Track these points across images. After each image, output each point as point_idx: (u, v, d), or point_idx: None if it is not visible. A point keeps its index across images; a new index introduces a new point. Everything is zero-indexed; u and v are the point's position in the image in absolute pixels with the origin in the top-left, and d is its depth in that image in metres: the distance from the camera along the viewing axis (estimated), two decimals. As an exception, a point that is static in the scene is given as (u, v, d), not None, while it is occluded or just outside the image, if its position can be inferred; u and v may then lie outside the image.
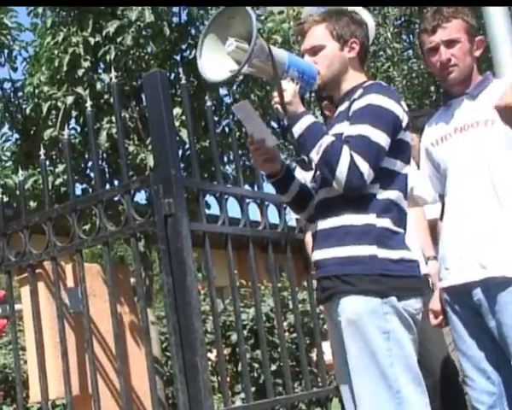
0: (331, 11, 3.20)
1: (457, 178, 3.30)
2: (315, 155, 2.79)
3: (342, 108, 2.98)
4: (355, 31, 3.03)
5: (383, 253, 2.79)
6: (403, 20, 12.08)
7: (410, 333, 2.84)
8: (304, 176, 3.35)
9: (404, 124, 2.87)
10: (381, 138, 2.77)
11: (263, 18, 5.75)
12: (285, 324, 6.36)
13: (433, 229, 4.06)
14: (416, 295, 2.88)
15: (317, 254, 2.92)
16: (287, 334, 6.42)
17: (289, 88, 2.82)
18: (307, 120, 2.83)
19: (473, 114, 3.30)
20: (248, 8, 2.75)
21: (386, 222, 2.82)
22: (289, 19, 6.01)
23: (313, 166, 2.96)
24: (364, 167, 2.73)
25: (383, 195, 2.84)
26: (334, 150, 2.75)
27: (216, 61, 2.82)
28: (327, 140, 2.78)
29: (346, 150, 2.74)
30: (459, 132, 3.33)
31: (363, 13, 9.90)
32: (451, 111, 3.38)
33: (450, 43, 3.28)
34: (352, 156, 2.73)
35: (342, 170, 2.73)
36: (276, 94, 2.82)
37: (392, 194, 2.86)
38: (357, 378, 2.80)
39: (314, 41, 3.01)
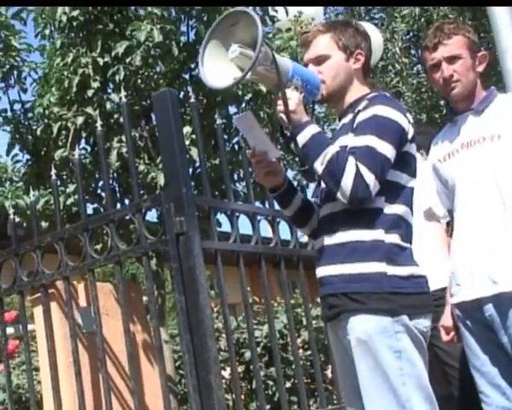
0: (336, 22, 3.17)
1: (465, 193, 3.29)
2: (319, 166, 2.72)
3: (346, 120, 2.91)
4: (360, 42, 2.98)
5: (392, 270, 2.72)
6: (411, 35, 12.10)
7: (421, 352, 2.76)
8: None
9: (409, 136, 2.81)
10: (387, 150, 2.71)
11: (271, 35, 5.75)
12: (299, 340, 6.32)
13: None
14: (426, 312, 2.81)
15: (323, 271, 2.84)
16: (301, 351, 6.38)
17: (293, 97, 2.74)
18: (312, 129, 2.76)
19: (479, 130, 3.30)
20: (252, 13, 2.68)
21: (394, 238, 2.75)
22: (297, 36, 6.01)
23: (316, 177, 2.92)
24: (370, 179, 2.66)
25: (390, 209, 2.77)
26: (339, 161, 2.68)
27: (219, 67, 2.73)
28: (332, 150, 2.71)
29: (351, 161, 2.67)
30: (466, 148, 3.33)
31: (371, 28, 9.93)
32: (457, 127, 3.38)
33: (451, 60, 3.29)
34: (357, 167, 2.66)
35: (347, 181, 2.66)
36: (280, 102, 2.74)
37: (399, 209, 2.79)
38: (369, 398, 2.73)
39: (319, 50, 2.95)
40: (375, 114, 2.75)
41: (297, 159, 2.95)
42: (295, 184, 3.31)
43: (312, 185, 3.18)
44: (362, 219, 2.74)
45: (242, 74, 2.64)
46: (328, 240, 2.82)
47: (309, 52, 2.97)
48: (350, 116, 2.88)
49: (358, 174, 2.65)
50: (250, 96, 5.51)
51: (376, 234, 2.73)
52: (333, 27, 2.99)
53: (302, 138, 2.75)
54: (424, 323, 2.78)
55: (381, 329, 2.69)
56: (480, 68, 3.36)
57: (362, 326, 2.71)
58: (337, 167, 2.67)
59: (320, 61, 2.93)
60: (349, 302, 2.73)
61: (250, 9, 2.78)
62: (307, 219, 3.03)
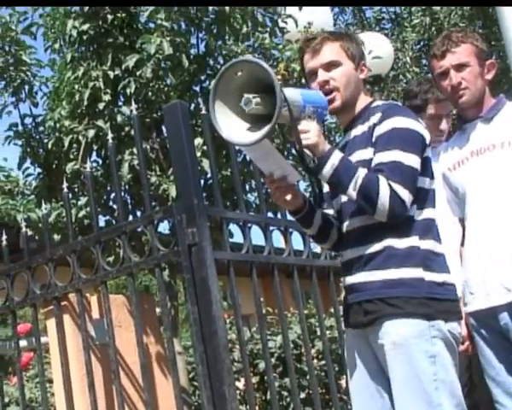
0: (341, 33, 3.20)
1: (476, 201, 3.28)
2: (352, 192, 2.74)
3: (358, 132, 2.93)
4: (362, 54, 3.04)
5: (429, 276, 2.77)
6: (422, 44, 12.10)
7: (453, 357, 2.80)
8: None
9: (427, 141, 2.87)
10: (413, 161, 2.77)
11: (281, 47, 5.76)
12: (313, 351, 6.31)
13: None
14: (458, 318, 2.86)
15: (356, 278, 2.86)
16: (315, 361, 6.37)
17: (312, 128, 2.73)
18: (336, 157, 2.76)
19: (488, 137, 3.30)
20: (258, 61, 2.65)
21: (429, 244, 2.81)
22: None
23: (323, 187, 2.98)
24: (404, 194, 2.72)
25: (422, 215, 2.83)
26: (371, 183, 2.71)
27: (233, 120, 2.68)
28: (361, 174, 2.73)
29: (383, 181, 2.71)
30: (476, 156, 3.32)
31: (381, 38, 9.89)
32: (467, 135, 3.38)
33: (459, 67, 3.29)
34: (390, 186, 2.71)
35: (384, 202, 2.70)
36: (301, 136, 2.71)
37: (428, 212, 2.86)
38: (401, 401, 2.75)
39: (331, 57, 2.96)
40: (394, 127, 2.79)
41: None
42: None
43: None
44: (396, 227, 2.78)
45: (273, 122, 2.55)
46: (361, 250, 2.85)
47: (319, 58, 2.97)
48: (361, 128, 2.91)
49: (393, 193, 2.71)
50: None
51: (411, 241, 2.79)
52: (340, 37, 3.03)
53: (330, 168, 2.75)
54: (457, 328, 2.84)
55: (417, 333, 2.74)
56: (489, 76, 3.35)
57: (398, 330, 2.74)
58: (371, 190, 2.71)
59: (331, 67, 2.94)
60: (386, 307, 2.77)
61: (252, 58, 2.82)
62: (328, 235, 3.08)
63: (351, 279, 2.89)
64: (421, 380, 2.71)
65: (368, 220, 2.82)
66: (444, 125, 3.94)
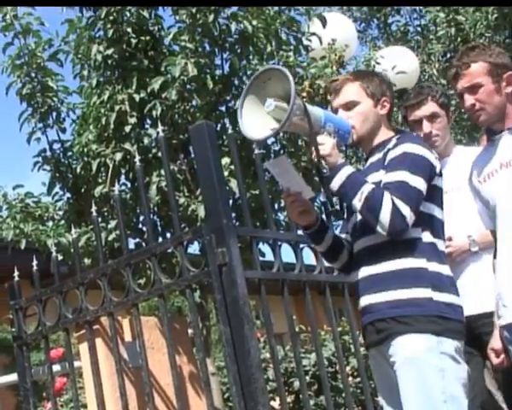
0: (363, 72, 3.50)
1: (507, 213, 3.25)
2: (357, 202, 2.90)
3: (374, 159, 3.12)
4: (385, 90, 3.21)
5: (437, 296, 2.90)
6: (448, 56, 12.05)
7: (460, 374, 2.90)
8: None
9: (437, 170, 3.02)
10: (419, 183, 2.91)
11: (305, 64, 5.77)
12: (348, 368, 6.28)
13: None
14: (462, 338, 2.96)
15: (368, 299, 3.00)
16: (350, 378, 6.34)
17: (328, 141, 2.95)
18: (347, 170, 2.95)
19: None
20: (284, 69, 2.92)
21: (436, 266, 2.95)
22: (332, 63, 6.01)
23: (345, 214, 3.15)
24: (406, 211, 2.85)
25: (428, 239, 2.97)
26: (375, 197, 2.87)
27: (257, 120, 2.94)
28: (367, 188, 2.90)
29: (387, 196, 2.86)
30: (505, 168, 3.30)
31: (406, 51, 9.86)
32: (495, 147, 3.35)
33: (472, 89, 3.27)
34: (393, 201, 2.85)
35: (385, 215, 2.85)
36: (316, 147, 2.93)
37: (434, 239, 2.99)
38: None
39: (349, 97, 3.16)
40: (405, 152, 2.98)
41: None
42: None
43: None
44: (403, 249, 2.95)
45: (280, 125, 2.86)
46: (371, 270, 3.01)
47: (339, 98, 3.20)
48: (378, 155, 3.11)
49: (395, 208, 2.86)
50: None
51: (420, 262, 2.94)
52: (361, 76, 3.25)
53: (339, 179, 2.94)
54: (462, 347, 2.95)
55: (427, 348, 2.84)
56: (509, 89, 3.31)
57: (409, 345, 2.87)
58: (374, 203, 2.87)
59: (350, 106, 3.16)
60: (397, 325, 2.89)
61: (281, 66, 3.12)
62: (338, 255, 3.24)
63: (363, 301, 3.03)
64: (431, 394, 2.83)
65: (376, 240, 2.97)
66: (427, 128, 3.98)
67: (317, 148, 2.92)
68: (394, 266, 2.93)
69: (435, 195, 3.03)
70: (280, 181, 3.15)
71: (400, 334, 2.88)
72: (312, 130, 2.93)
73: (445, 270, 2.98)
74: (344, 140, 3.09)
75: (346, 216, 3.22)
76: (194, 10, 5.19)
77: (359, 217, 3.05)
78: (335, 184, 2.95)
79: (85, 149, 5.46)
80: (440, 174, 3.05)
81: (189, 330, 4.60)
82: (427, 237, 2.96)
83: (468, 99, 3.27)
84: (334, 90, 3.22)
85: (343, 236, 3.27)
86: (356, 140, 3.14)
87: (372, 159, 3.15)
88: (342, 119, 3.12)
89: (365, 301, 3.01)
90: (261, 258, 3.81)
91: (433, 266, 2.93)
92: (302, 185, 3.07)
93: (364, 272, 3.02)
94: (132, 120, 5.28)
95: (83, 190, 5.64)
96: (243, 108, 2.96)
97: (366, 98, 3.15)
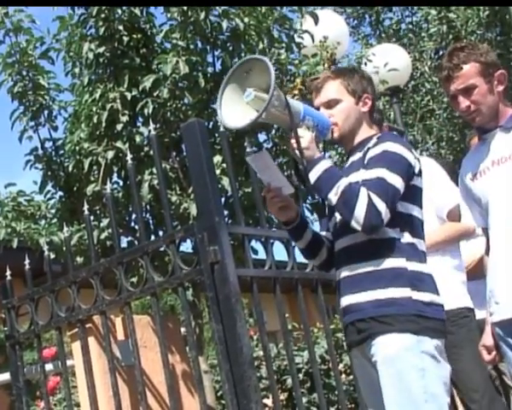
0: (344, 69, 3.46)
1: (499, 211, 3.26)
2: (333, 196, 2.90)
3: (355, 158, 3.11)
4: (366, 87, 3.20)
5: (416, 295, 2.90)
6: (440, 53, 12.08)
7: (441, 372, 2.91)
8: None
9: (416, 170, 3.02)
10: (397, 181, 2.90)
11: (297, 62, 5.76)
12: (341, 365, 6.27)
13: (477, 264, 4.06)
14: (443, 337, 2.97)
15: (349, 299, 3.01)
16: (343, 376, 6.34)
17: (306, 135, 2.94)
18: (324, 164, 2.94)
19: (508, 147, 3.28)
20: (265, 59, 2.91)
21: (415, 266, 2.95)
22: (323, 61, 6.01)
23: (327, 211, 3.15)
24: (382, 207, 2.85)
25: (407, 239, 2.97)
26: (352, 191, 2.87)
27: (236, 110, 2.93)
28: (344, 182, 2.90)
29: (363, 191, 2.86)
30: (496, 165, 3.30)
31: (397, 49, 9.84)
32: (487, 145, 3.36)
33: (466, 91, 3.26)
34: (369, 196, 2.85)
35: (360, 209, 2.84)
36: (293, 141, 2.93)
37: (413, 239, 2.99)
38: None
39: (330, 95, 3.15)
40: (384, 150, 2.98)
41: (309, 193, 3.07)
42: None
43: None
44: (383, 249, 2.95)
45: (257, 115, 2.84)
46: (351, 270, 3.01)
47: (320, 96, 3.19)
48: (359, 154, 3.09)
49: (370, 203, 2.85)
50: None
51: (399, 262, 2.93)
52: (341, 74, 3.23)
53: (316, 172, 2.94)
54: (442, 346, 2.96)
55: (406, 347, 2.86)
56: (500, 88, 3.31)
57: (389, 345, 2.88)
58: (350, 197, 2.87)
59: (331, 104, 3.15)
60: (377, 325, 2.91)
61: (263, 57, 3.02)
62: (317, 252, 3.24)
63: (344, 301, 3.04)
64: (411, 393, 2.83)
65: (355, 239, 2.97)
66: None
67: (298, 140, 2.91)
68: (374, 266, 2.94)
69: (414, 195, 3.03)
70: (260, 176, 3.14)
71: (381, 333, 2.89)
72: (293, 122, 2.91)
73: (424, 269, 2.98)
74: (322, 135, 3.07)
75: (327, 214, 3.22)
76: (185, 8, 5.18)
77: (338, 218, 3.05)
78: (312, 177, 2.94)
79: (77, 148, 5.44)
80: (419, 174, 3.05)
81: (182, 329, 4.60)
82: (406, 237, 2.96)
83: (463, 101, 3.26)
84: (316, 88, 3.21)
85: (323, 233, 3.26)
86: (338, 138, 3.14)
87: (353, 158, 3.13)
88: (322, 114, 3.10)
89: (346, 301, 3.02)
90: (253, 256, 3.80)
91: (413, 266, 2.94)
92: (282, 181, 3.06)
93: (345, 271, 3.03)
94: (124, 118, 5.27)
95: (75, 189, 5.62)
96: (223, 97, 2.94)
97: (347, 96, 3.15)
